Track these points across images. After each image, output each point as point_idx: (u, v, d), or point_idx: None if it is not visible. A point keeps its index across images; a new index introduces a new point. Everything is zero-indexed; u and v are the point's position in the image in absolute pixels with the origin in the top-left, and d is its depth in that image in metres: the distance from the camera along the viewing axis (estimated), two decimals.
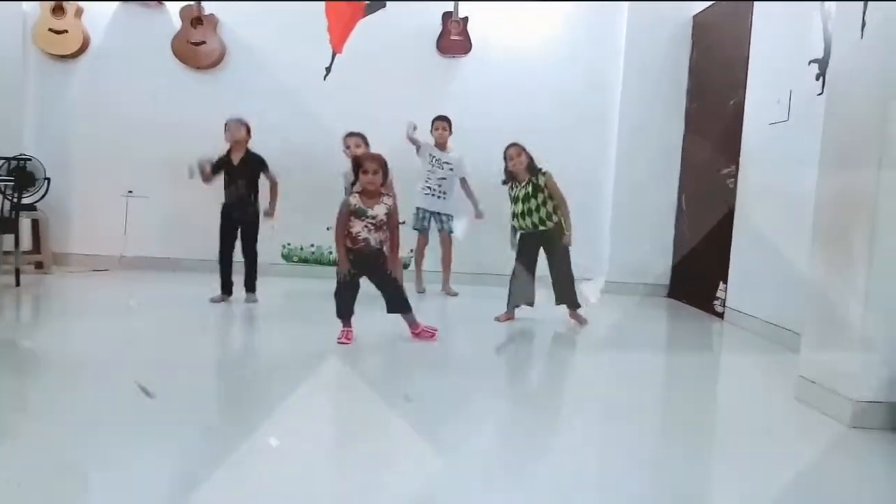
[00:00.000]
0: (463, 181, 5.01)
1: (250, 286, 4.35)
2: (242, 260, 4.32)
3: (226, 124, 4.23)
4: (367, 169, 3.31)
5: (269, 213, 4.32)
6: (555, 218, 4.03)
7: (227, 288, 4.31)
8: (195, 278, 4.87)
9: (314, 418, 2.47)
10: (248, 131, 4.28)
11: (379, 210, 3.37)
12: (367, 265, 3.41)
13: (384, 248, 3.46)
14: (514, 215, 4.12)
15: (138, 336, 3.44)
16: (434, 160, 4.93)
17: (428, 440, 2.23)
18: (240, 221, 4.27)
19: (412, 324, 3.51)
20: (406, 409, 2.53)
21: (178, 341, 3.44)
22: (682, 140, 5.58)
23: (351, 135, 4.50)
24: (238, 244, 4.30)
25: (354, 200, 3.35)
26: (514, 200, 4.09)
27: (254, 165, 4.25)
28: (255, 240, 4.32)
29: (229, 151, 4.24)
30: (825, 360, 2.72)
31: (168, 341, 3.43)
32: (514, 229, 4.18)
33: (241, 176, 4.22)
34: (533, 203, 4.01)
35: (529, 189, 4.01)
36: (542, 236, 4.07)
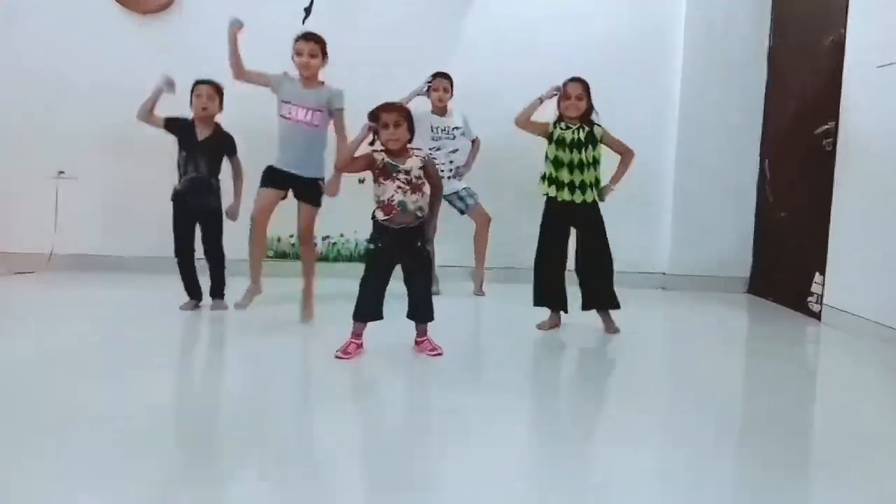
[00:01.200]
0: (474, 143, 5.11)
1: (217, 291, 4.35)
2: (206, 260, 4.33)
3: (194, 87, 4.17)
4: (386, 122, 3.33)
5: (233, 211, 4.30)
6: (594, 193, 3.98)
7: (194, 292, 4.32)
8: (145, 280, 4.88)
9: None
10: (221, 102, 4.25)
11: (412, 163, 3.40)
12: (403, 244, 3.43)
13: (423, 230, 3.50)
14: (552, 170, 3.98)
15: (69, 356, 3.42)
16: (437, 131, 4.88)
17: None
18: (199, 213, 4.25)
19: (423, 331, 3.57)
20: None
21: (120, 365, 3.39)
22: (765, 91, 5.54)
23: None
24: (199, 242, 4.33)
25: (380, 156, 3.39)
26: (560, 144, 3.94)
27: (222, 146, 4.24)
28: (220, 235, 4.32)
29: (193, 123, 4.21)
30: None
31: (106, 364, 3.40)
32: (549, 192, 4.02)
33: (205, 156, 4.19)
34: (584, 155, 3.92)
35: (582, 135, 3.93)
36: (578, 211, 3.99)
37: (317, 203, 4.11)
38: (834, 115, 4.58)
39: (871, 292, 4.18)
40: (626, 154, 4.01)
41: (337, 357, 3.38)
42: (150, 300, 4.45)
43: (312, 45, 3.95)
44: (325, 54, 4.04)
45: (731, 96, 5.55)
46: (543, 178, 4.03)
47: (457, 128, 4.95)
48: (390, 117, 3.33)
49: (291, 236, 5.51)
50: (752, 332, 4.73)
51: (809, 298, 4.83)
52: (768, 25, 5.50)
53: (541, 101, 3.98)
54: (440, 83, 4.84)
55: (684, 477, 2.35)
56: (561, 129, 3.94)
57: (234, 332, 4.05)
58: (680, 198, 5.62)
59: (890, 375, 3.54)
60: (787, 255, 5.18)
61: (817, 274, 4.73)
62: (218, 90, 4.21)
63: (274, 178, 4.02)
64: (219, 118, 4.28)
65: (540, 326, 4.11)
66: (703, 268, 5.60)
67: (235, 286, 4.32)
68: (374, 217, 3.46)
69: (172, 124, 4.18)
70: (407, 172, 3.38)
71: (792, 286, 5.04)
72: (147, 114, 4.14)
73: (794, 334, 4.51)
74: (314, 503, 2.07)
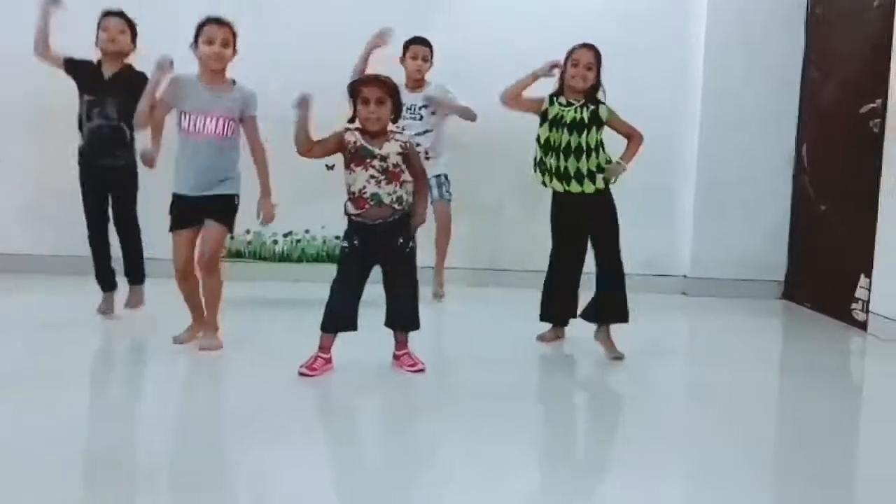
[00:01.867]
0: (456, 108, 4.93)
1: (134, 276, 4.26)
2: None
3: (100, 21, 4.06)
4: (367, 97, 3.27)
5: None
6: (602, 180, 3.84)
7: (108, 283, 4.25)
8: (74, 283, 4.76)
9: None
10: (134, 38, 4.11)
11: (390, 148, 3.34)
12: (379, 241, 3.38)
13: (406, 222, 3.45)
14: (545, 154, 3.87)
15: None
16: (406, 110, 4.68)
17: None
18: (109, 172, 4.12)
19: (403, 343, 3.53)
20: None
21: (46, 382, 3.36)
22: (802, 64, 5.54)
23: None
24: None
25: (352, 137, 3.33)
26: (555, 124, 3.81)
27: (133, 85, 3.89)
28: (134, 203, 4.21)
29: (100, 62, 4.09)
30: None
31: (32, 383, 3.36)
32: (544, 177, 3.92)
33: (114, 98, 4.03)
34: (584, 138, 3.77)
35: (585, 115, 3.79)
36: (586, 201, 3.84)
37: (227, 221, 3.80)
38: (882, 91, 4.55)
39: None
40: (633, 137, 3.86)
41: (301, 374, 3.33)
42: (81, 304, 4.35)
43: (226, 31, 3.62)
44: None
45: (763, 72, 5.53)
46: (535, 164, 3.95)
47: (424, 107, 4.85)
48: (372, 92, 3.27)
49: (248, 231, 5.48)
50: (787, 345, 4.76)
51: (854, 305, 4.80)
52: None
53: (535, 77, 3.88)
54: (418, 50, 4.78)
55: None
56: (560, 105, 3.82)
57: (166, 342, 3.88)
58: (703, 190, 5.60)
59: None
60: (827, 256, 5.17)
61: (863, 277, 4.71)
62: (130, 24, 4.09)
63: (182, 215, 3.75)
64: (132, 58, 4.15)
65: (540, 338, 4.04)
66: (730, 270, 5.58)
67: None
68: (345, 211, 3.40)
69: (72, 67, 4.07)
70: (383, 159, 3.31)
71: (833, 291, 5.03)
72: (43, 46, 4.00)
73: (836, 347, 4.51)
74: None
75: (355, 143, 3.31)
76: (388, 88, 3.33)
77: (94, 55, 4.11)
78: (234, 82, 3.69)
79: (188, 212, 3.64)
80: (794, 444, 3.03)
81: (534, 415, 3.27)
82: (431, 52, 4.84)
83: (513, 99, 3.90)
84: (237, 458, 2.62)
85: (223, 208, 3.67)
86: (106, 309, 4.22)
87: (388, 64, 4.54)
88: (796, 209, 5.57)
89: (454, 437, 2.83)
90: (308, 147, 3.34)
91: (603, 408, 3.44)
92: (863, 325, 4.65)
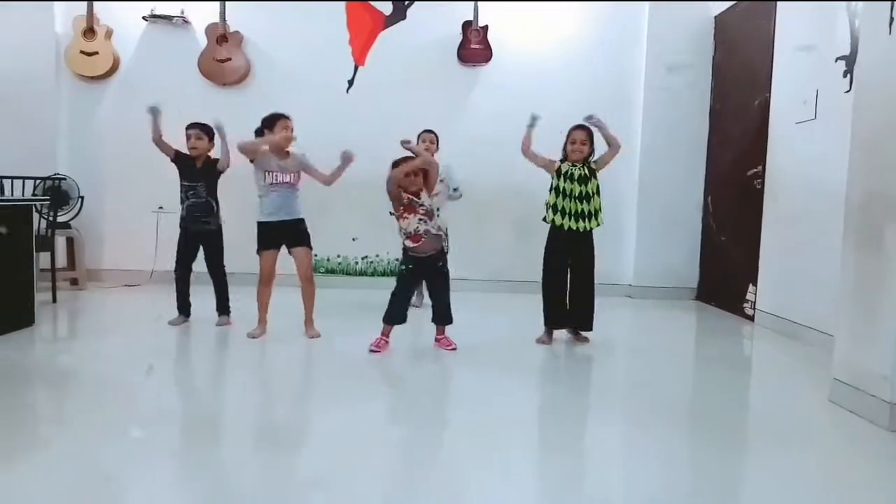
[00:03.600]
0: (455, 191, 4.56)
1: (222, 307, 4.01)
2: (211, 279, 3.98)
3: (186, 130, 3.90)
4: (408, 172, 3.36)
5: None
6: (599, 219, 3.69)
7: (184, 309, 4.00)
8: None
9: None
10: (211, 139, 3.92)
11: (425, 198, 3.40)
12: (427, 267, 3.45)
13: (445, 251, 3.51)
14: (558, 200, 3.64)
15: (168, 351, 3.51)
16: None
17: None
18: (201, 235, 3.92)
19: (442, 331, 3.59)
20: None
21: (202, 356, 3.51)
22: (708, 141, 5.52)
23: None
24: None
25: (406, 196, 3.38)
26: (567, 178, 3.62)
27: (214, 168, 3.89)
28: (221, 255, 4.00)
29: (193, 157, 3.91)
30: (859, 361, 2.66)
31: (194, 357, 3.49)
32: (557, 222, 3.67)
33: (203, 182, 3.88)
34: (590, 187, 3.64)
35: (586, 171, 3.64)
36: (583, 236, 3.68)
37: (309, 243, 3.73)
38: (762, 160, 4.59)
39: (794, 299, 4.17)
40: (614, 143, 3.66)
41: (371, 351, 3.38)
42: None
43: (290, 122, 3.65)
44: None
45: (681, 146, 5.54)
46: (548, 207, 3.71)
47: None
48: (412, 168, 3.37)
49: (338, 256, 5.55)
50: (699, 330, 4.72)
51: (744, 304, 4.81)
52: (709, 90, 5.51)
53: (529, 128, 3.71)
54: (427, 136, 4.64)
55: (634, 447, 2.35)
56: (569, 166, 3.65)
57: (277, 341, 3.74)
58: (642, 225, 5.60)
59: (805, 362, 3.53)
60: (726, 270, 5.16)
61: (750, 285, 4.72)
62: (205, 130, 3.89)
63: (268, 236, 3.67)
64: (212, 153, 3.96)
65: (539, 341, 3.78)
66: (661, 279, 5.58)
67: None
68: (404, 247, 3.45)
69: (177, 158, 3.89)
70: (423, 205, 3.39)
71: (730, 295, 5.02)
72: (158, 139, 3.83)
73: (732, 332, 4.49)
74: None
75: (409, 198, 3.38)
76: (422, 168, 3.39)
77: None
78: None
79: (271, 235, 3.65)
80: (700, 396, 3.05)
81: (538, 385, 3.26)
82: (437, 139, 4.63)
83: (526, 150, 3.70)
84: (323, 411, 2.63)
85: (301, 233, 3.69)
86: (176, 322, 3.95)
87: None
88: (704, 238, 5.55)
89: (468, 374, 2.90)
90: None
91: (572, 376, 3.41)
92: (751, 318, 4.66)
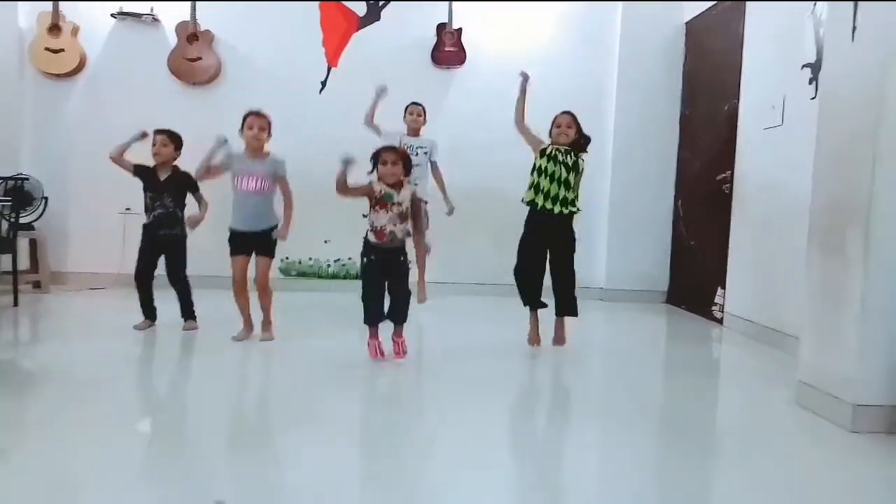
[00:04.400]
0: (434, 166, 4.69)
1: (187, 313, 3.94)
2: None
3: (154, 135, 3.80)
4: (385, 160, 3.24)
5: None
6: (578, 205, 3.63)
7: (149, 313, 3.92)
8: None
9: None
10: (178, 147, 3.86)
11: (405, 195, 3.28)
12: (390, 266, 3.31)
13: (405, 247, 3.37)
14: (539, 179, 3.56)
15: (134, 354, 3.44)
16: (406, 148, 4.44)
17: None
18: (164, 242, 3.84)
19: (399, 331, 3.44)
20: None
21: (171, 358, 3.44)
22: (678, 146, 5.58)
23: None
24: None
25: (379, 186, 3.25)
26: (551, 159, 3.54)
27: (183, 182, 3.83)
28: (184, 262, 3.93)
29: (154, 169, 3.84)
30: (824, 364, 2.71)
31: (163, 360, 3.43)
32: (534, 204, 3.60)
33: (170, 194, 3.81)
34: (566, 174, 3.55)
35: (570, 160, 3.57)
36: (560, 222, 3.60)
37: (271, 253, 3.70)
38: (730, 166, 4.65)
39: (761, 302, 4.24)
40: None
41: (375, 359, 3.31)
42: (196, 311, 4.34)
43: (263, 121, 3.60)
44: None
45: (652, 152, 5.59)
46: (530, 187, 3.63)
47: (421, 147, 4.69)
48: (390, 156, 3.26)
49: (310, 258, 5.51)
50: (669, 332, 4.76)
51: (713, 307, 4.86)
52: (679, 97, 5.58)
53: (522, 91, 3.67)
54: (414, 109, 4.66)
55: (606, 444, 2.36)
56: (554, 148, 3.60)
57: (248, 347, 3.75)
58: (614, 230, 5.64)
59: (773, 365, 3.57)
60: (696, 274, 5.21)
61: (719, 289, 4.77)
62: (172, 137, 3.82)
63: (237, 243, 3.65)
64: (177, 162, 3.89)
65: (530, 342, 3.73)
66: (632, 283, 5.63)
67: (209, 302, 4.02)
68: (366, 238, 3.34)
69: (139, 172, 3.82)
70: (400, 204, 3.25)
71: (700, 298, 5.07)
72: (119, 156, 3.76)
73: (701, 335, 4.53)
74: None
75: (381, 191, 3.24)
76: (400, 155, 3.29)
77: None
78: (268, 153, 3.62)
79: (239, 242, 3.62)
80: (668, 397, 3.07)
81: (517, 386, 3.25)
82: (424, 111, 4.69)
83: (520, 122, 3.66)
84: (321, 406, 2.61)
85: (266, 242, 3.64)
86: (142, 327, 3.86)
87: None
88: (674, 243, 5.60)
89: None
90: (344, 190, 3.20)
91: (548, 378, 3.43)
92: (719, 321, 4.72)
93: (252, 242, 3.64)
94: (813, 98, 3.69)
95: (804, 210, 2.97)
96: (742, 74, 4.55)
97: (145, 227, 3.87)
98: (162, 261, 3.92)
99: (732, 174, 4.62)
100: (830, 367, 2.66)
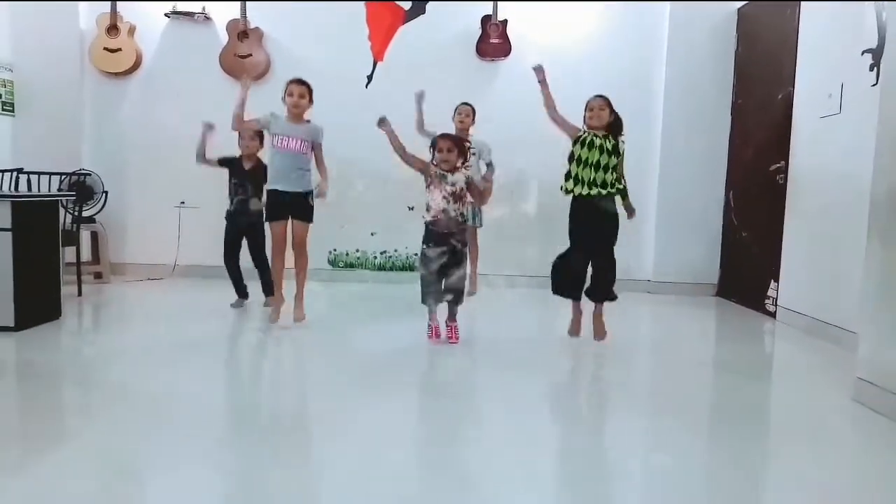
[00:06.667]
0: (489, 167, 4.44)
1: (268, 290, 4.20)
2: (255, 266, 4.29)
3: (240, 133, 4.08)
4: (441, 147, 3.44)
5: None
6: (623, 183, 3.51)
7: (241, 292, 4.34)
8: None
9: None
10: (262, 142, 4.18)
11: (458, 178, 3.45)
12: (447, 243, 3.42)
13: (463, 236, 3.49)
14: (577, 169, 3.46)
15: (190, 341, 3.56)
16: None
17: None
18: (246, 228, 4.24)
19: (453, 315, 3.55)
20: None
21: (226, 347, 3.55)
22: (729, 136, 5.46)
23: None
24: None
25: (435, 168, 3.46)
26: (585, 145, 3.44)
27: (263, 173, 4.02)
28: (263, 245, 4.24)
29: (240, 159, 4.24)
30: (884, 360, 2.63)
31: (217, 348, 3.54)
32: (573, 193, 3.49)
33: (252, 182, 4.18)
34: (607, 159, 3.43)
35: (608, 144, 3.45)
36: (602, 203, 3.46)
37: (310, 218, 3.80)
38: (785, 155, 4.53)
39: (817, 295, 4.12)
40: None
41: (434, 343, 3.47)
42: (249, 300, 4.44)
43: (303, 88, 3.74)
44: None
45: (702, 141, 5.49)
46: (567, 176, 3.52)
47: (470, 147, 4.49)
48: (444, 144, 3.45)
49: (357, 250, 5.59)
50: (720, 326, 4.68)
51: (766, 301, 4.76)
52: (731, 85, 5.45)
53: (544, 85, 3.59)
54: (463, 109, 4.65)
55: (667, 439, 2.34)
56: (590, 134, 3.48)
57: (318, 323, 3.88)
58: (662, 221, 5.56)
59: (828, 360, 3.48)
60: (748, 267, 5.11)
61: (772, 281, 4.67)
62: (259, 134, 4.13)
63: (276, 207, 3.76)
64: (260, 154, 4.22)
65: (570, 333, 3.68)
66: (680, 276, 5.54)
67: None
68: (426, 225, 3.47)
69: (225, 162, 4.23)
70: (453, 184, 3.42)
71: (752, 291, 4.97)
72: (202, 158, 4.18)
73: (754, 329, 4.45)
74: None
75: (437, 171, 3.43)
76: (455, 142, 3.49)
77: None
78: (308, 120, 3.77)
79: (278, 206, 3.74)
80: (722, 393, 3.03)
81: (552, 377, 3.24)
82: (474, 112, 4.65)
83: (553, 111, 3.56)
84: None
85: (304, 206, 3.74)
86: (237, 305, 4.31)
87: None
88: (725, 234, 5.49)
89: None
90: (402, 153, 3.45)
91: (595, 371, 3.42)
92: (773, 314, 4.62)
93: (289, 207, 3.72)
94: (874, 85, 3.56)
95: (863, 201, 2.89)
96: (797, 61, 4.42)
97: (229, 213, 4.25)
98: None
99: (787, 164, 4.50)
100: (891, 363, 2.58)
